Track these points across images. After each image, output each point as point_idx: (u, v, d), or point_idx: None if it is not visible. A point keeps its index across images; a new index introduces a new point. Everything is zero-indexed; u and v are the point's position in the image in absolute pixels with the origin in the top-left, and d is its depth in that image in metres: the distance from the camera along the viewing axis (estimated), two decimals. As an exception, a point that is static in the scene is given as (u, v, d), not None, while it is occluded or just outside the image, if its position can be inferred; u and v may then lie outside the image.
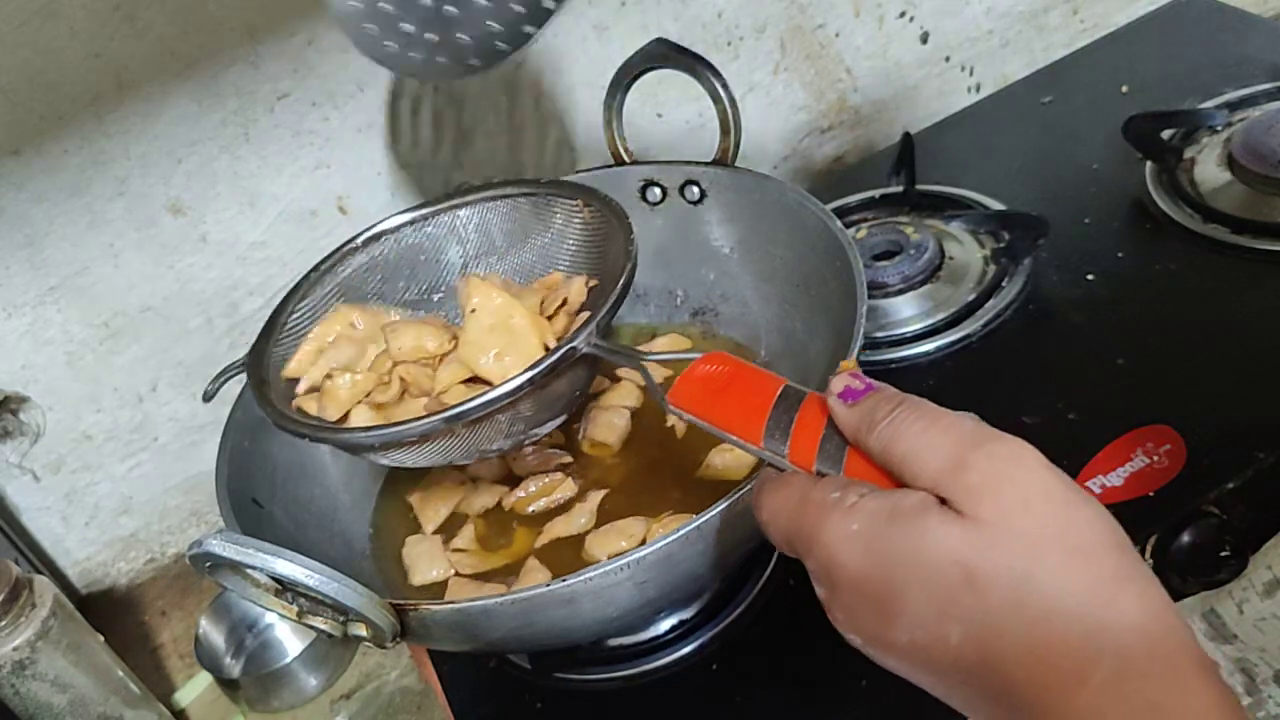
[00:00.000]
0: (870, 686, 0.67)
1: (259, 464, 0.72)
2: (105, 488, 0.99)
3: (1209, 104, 1.00)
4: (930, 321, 0.88)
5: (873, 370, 0.65)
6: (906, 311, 0.89)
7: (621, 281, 0.61)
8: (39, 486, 0.97)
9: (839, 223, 0.70)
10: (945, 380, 0.84)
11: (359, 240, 0.72)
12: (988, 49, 1.16)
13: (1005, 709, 0.37)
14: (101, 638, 0.80)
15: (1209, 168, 0.92)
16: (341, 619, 0.56)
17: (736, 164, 0.77)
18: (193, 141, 0.87)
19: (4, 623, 0.72)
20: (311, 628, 0.57)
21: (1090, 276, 0.88)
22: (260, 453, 0.73)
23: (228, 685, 0.87)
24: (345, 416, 0.65)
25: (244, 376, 0.66)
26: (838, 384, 0.43)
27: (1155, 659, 0.35)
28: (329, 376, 0.65)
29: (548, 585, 0.54)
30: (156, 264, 0.91)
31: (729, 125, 0.74)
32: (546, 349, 0.63)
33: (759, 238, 0.80)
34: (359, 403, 0.65)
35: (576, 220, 0.70)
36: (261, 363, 0.66)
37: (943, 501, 0.38)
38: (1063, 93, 1.11)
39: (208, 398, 0.69)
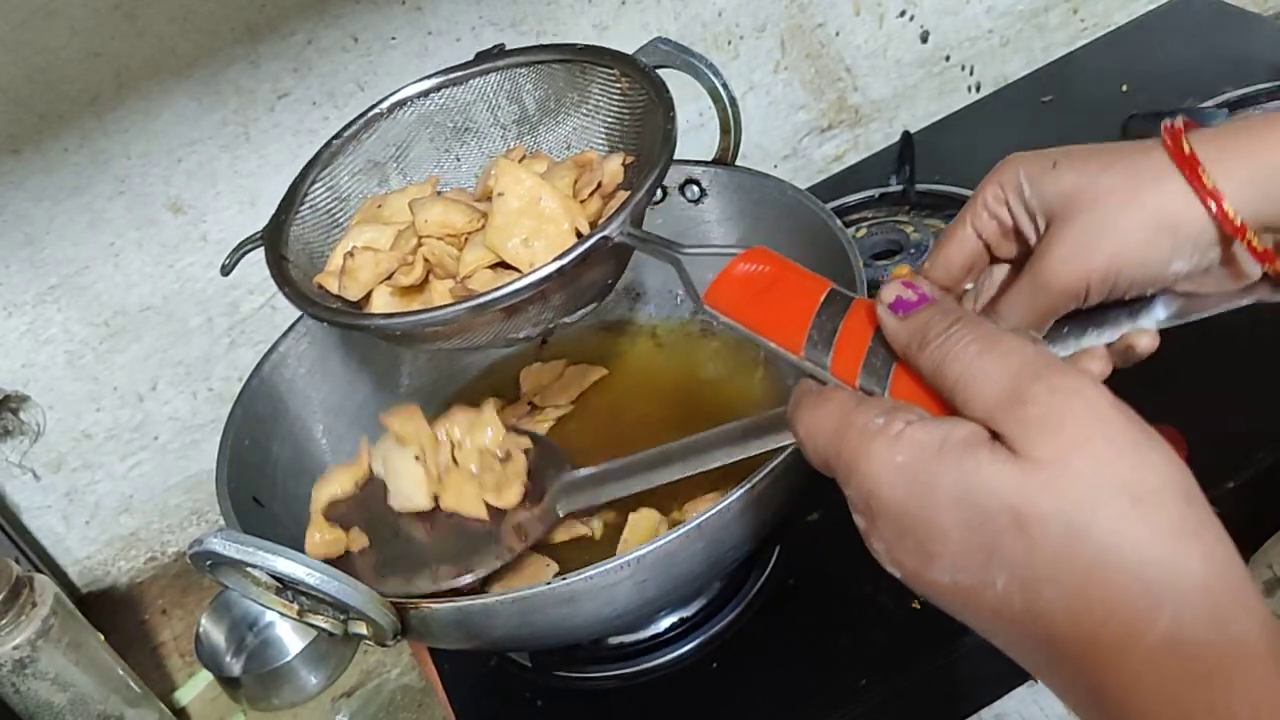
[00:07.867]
0: (869, 686, 0.67)
1: (259, 462, 0.72)
2: (106, 486, 0.99)
3: (1209, 104, 0.99)
4: (931, 321, 0.87)
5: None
6: (907, 311, 0.89)
7: (660, 165, 0.57)
8: (39, 485, 0.97)
9: (839, 222, 0.70)
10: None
11: (383, 106, 0.68)
12: (988, 48, 1.16)
13: (1052, 659, 0.35)
14: (102, 636, 0.80)
15: (1209, 167, 0.92)
16: (342, 617, 0.56)
17: (736, 163, 0.77)
18: (193, 140, 0.87)
19: (4, 621, 0.72)
20: (312, 626, 0.57)
21: (1090, 276, 0.87)
22: (261, 451, 0.73)
23: (228, 683, 0.87)
24: (367, 298, 0.61)
25: (264, 249, 0.63)
26: (889, 293, 0.40)
27: (1217, 623, 0.32)
28: (350, 254, 0.61)
29: (548, 584, 0.54)
30: (157, 263, 0.91)
31: (729, 124, 0.74)
32: (578, 234, 0.58)
33: (759, 237, 0.79)
34: (381, 283, 0.61)
35: (614, 91, 0.66)
36: (280, 236, 0.63)
37: (996, 435, 0.35)
38: (1063, 92, 1.11)
39: (225, 271, 0.66)
